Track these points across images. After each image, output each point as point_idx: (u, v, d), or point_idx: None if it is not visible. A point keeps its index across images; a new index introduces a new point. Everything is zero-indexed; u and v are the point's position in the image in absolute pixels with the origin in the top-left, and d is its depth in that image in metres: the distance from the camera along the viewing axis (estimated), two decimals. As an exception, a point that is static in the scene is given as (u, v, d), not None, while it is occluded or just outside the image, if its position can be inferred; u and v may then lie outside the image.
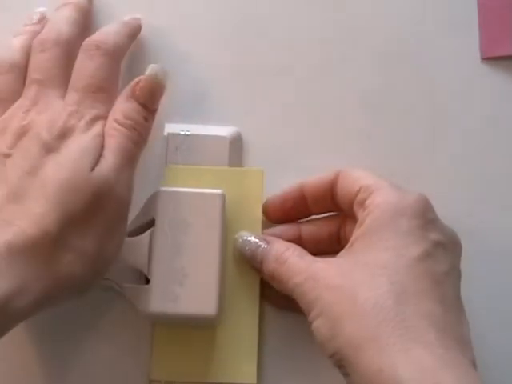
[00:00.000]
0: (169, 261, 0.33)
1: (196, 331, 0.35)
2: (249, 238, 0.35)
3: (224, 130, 0.39)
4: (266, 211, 0.37)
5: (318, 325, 0.30)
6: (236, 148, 0.39)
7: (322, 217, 0.37)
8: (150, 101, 0.34)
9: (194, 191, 0.35)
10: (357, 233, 0.32)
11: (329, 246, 0.36)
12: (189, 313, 0.33)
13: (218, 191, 0.35)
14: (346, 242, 0.33)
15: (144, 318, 0.35)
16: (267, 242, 0.35)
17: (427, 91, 0.41)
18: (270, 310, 0.37)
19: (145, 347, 0.35)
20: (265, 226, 0.37)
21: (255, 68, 0.41)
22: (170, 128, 0.38)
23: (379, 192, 0.32)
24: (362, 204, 0.33)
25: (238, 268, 0.36)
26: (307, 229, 0.37)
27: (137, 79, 0.35)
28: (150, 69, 0.35)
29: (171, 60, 0.41)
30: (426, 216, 0.32)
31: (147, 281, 0.34)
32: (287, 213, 0.37)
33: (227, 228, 0.36)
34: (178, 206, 0.34)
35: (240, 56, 0.41)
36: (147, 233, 0.34)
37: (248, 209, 0.37)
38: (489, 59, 0.41)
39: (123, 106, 0.34)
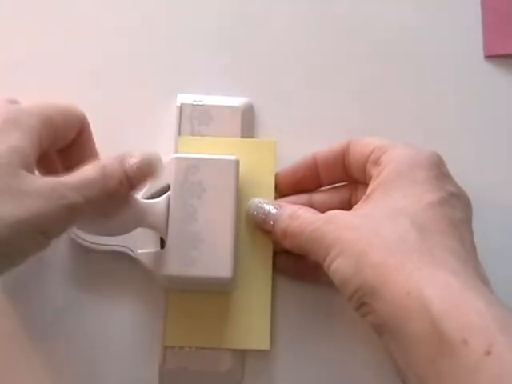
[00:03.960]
0: (184, 226, 0.34)
1: (209, 298, 0.35)
2: (262, 204, 0.35)
3: (236, 101, 0.39)
4: (277, 183, 0.37)
5: (339, 264, 0.30)
6: (248, 118, 0.39)
7: (333, 186, 0.38)
8: (138, 184, 0.31)
9: (208, 157, 0.35)
10: (373, 185, 0.32)
11: None
12: (205, 275, 0.33)
13: (233, 157, 0.35)
14: None
15: (159, 283, 0.35)
16: (280, 207, 0.35)
17: (430, 89, 0.41)
18: (282, 280, 0.37)
19: (159, 315, 0.36)
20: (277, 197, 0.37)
21: (266, 40, 0.42)
22: (183, 98, 0.39)
23: (394, 148, 0.33)
24: (376, 162, 0.33)
25: (251, 236, 0.36)
26: (318, 197, 0.37)
27: (132, 158, 0.31)
28: (147, 157, 0.31)
29: (185, 30, 0.41)
30: (441, 169, 0.32)
31: (161, 247, 0.34)
32: (298, 184, 0.37)
33: (240, 197, 0.36)
34: (192, 171, 0.34)
35: (253, 28, 0.42)
36: (164, 196, 0.34)
37: (261, 179, 0.37)
38: (492, 57, 0.42)
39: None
